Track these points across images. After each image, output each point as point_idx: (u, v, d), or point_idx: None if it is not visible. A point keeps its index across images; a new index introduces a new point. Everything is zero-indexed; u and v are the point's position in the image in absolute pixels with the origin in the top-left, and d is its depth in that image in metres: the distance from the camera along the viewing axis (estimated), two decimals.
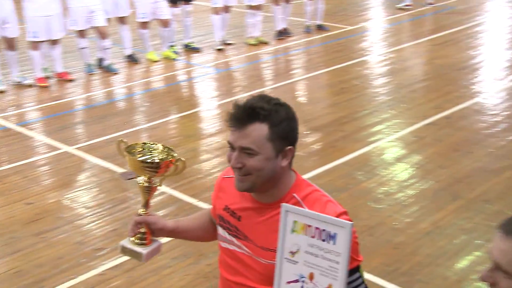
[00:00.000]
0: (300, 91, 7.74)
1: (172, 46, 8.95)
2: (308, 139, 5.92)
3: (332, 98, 7.37)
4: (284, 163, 1.76)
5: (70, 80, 7.75)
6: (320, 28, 10.31)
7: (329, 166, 5.31)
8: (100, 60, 8.31)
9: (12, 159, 5.55)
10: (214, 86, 7.94)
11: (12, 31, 7.29)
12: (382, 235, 4.22)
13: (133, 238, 1.94)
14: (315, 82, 7.95)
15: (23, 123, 6.43)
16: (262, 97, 1.75)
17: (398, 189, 4.90)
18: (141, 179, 1.93)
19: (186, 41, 9.30)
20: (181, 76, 8.34)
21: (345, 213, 1.74)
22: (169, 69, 8.45)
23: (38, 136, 6.06)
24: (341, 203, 1.82)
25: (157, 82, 8.01)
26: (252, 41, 9.49)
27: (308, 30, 10.20)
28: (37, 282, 3.71)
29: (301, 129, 6.50)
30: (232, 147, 1.74)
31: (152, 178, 1.93)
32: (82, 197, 4.80)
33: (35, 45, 7.42)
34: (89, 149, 5.70)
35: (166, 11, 8.57)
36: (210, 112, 6.97)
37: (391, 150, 5.71)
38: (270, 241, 1.74)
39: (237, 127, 1.71)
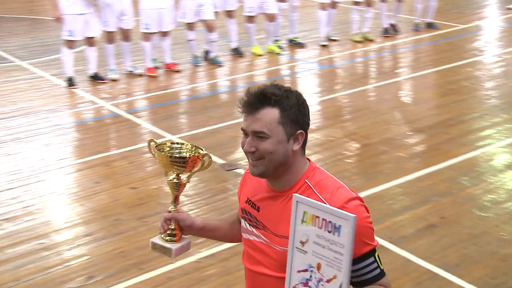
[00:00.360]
0: (405, 90, 7.52)
1: (277, 40, 9.01)
2: (410, 140, 5.74)
3: (438, 99, 7.09)
4: (296, 147, 1.78)
5: (177, 71, 8.04)
6: (430, 26, 9.95)
7: (432, 169, 5.12)
8: (206, 53, 8.53)
9: (120, 145, 5.84)
10: (317, 82, 7.91)
11: (128, 23, 7.68)
12: (488, 245, 4.00)
13: (163, 235, 1.99)
14: (421, 82, 7.68)
15: (132, 111, 6.75)
16: (273, 85, 1.80)
17: (507, 198, 4.62)
18: (171, 176, 1.98)
19: (291, 36, 9.33)
20: (284, 71, 8.38)
21: (355, 198, 1.74)
22: (272, 64, 8.52)
23: (145, 124, 6.34)
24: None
25: (260, 75, 8.10)
26: (357, 38, 9.34)
27: (417, 28, 9.87)
28: (138, 264, 3.89)
29: (404, 129, 6.33)
30: (245, 133, 1.80)
31: (180, 175, 1.98)
32: None
33: (147, 36, 7.76)
34: (191, 139, 5.88)
35: (273, 6, 8.63)
36: (311, 108, 6.91)
37: (501, 157, 5.40)
38: (284, 228, 1.76)
39: (249, 113, 1.76)
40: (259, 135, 1.75)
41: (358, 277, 1.72)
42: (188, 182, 2.02)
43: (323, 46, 9.14)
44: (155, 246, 2.00)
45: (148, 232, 4.24)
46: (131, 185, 4.96)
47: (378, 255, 1.76)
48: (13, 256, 3.97)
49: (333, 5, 9.22)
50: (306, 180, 1.79)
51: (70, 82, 7.42)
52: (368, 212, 1.75)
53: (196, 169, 1.98)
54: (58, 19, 7.20)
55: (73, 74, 7.46)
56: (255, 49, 8.83)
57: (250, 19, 8.68)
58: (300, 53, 8.94)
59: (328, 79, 7.97)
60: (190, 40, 8.27)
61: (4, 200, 4.70)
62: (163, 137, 5.94)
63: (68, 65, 7.43)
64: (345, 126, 6.21)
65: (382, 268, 1.76)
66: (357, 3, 9.31)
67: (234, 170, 5.20)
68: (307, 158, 1.86)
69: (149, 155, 5.59)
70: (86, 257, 3.96)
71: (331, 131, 6.02)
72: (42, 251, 4.02)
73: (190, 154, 1.98)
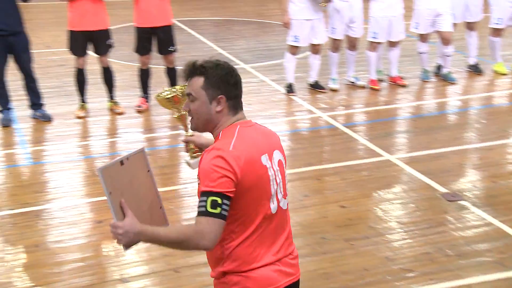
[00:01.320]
0: None
1: None
2: None
3: None
4: (218, 108, 2.38)
5: (403, 86, 7.94)
6: None
7: None
8: (439, 67, 8.30)
9: (334, 159, 5.96)
10: None
11: (357, 31, 7.79)
12: None
13: (188, 154, 2.74)
14: None
15: (349, 124, 6.84)
16: (209, 59, 2.41)
17: None
18: (175, 113, 2.79)
19: None
20: None
21: (221, 150, 2.25)
22: None
23: (362, 140, 6.38)
24: None
25: (500, 98, 7.63)
26: None
27: None
28: None
29: None
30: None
31: (179, 109, 2.78)
32: (397, 211, 4.88)
33: (373, 45, 7.81)
34: (410, 161, 5.77)
35: None
36: None
37: None
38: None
39: (186, 80, 2.43)
40: (190, 98, 2.40)
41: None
42: (182, 112, 2.76)
43: None
44: (188, 164, 2.74)
45: (355, 256, 4.26)
46: (340, 203, 5.03)
47: (214, 200, 2.19)
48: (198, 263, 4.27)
49: None
50: (220, 132, 2.39)
51: (290, 89, 7.78)
52: (226, 163, 2.21)
53: (182, 102, 2.70)
54: (286, 24, 7.60)
55: (293, 81, 7.82)
56: (498, 67, 8.34)
57: (497, 32, 8.21)
58: None
59: None
60: (422, 53, 8.11)
61: None
62: (380, 155, 5.92)
63: (289, 71, 7.81)
64: None
65: (209, 211, 2.18)
66: None
67: (458, 202, 4.96)
68: (241, 119, 2.42)
69: (365, 172, 5.62)
70: None
71: None
72: None
73: (173, 93, 2.76)
